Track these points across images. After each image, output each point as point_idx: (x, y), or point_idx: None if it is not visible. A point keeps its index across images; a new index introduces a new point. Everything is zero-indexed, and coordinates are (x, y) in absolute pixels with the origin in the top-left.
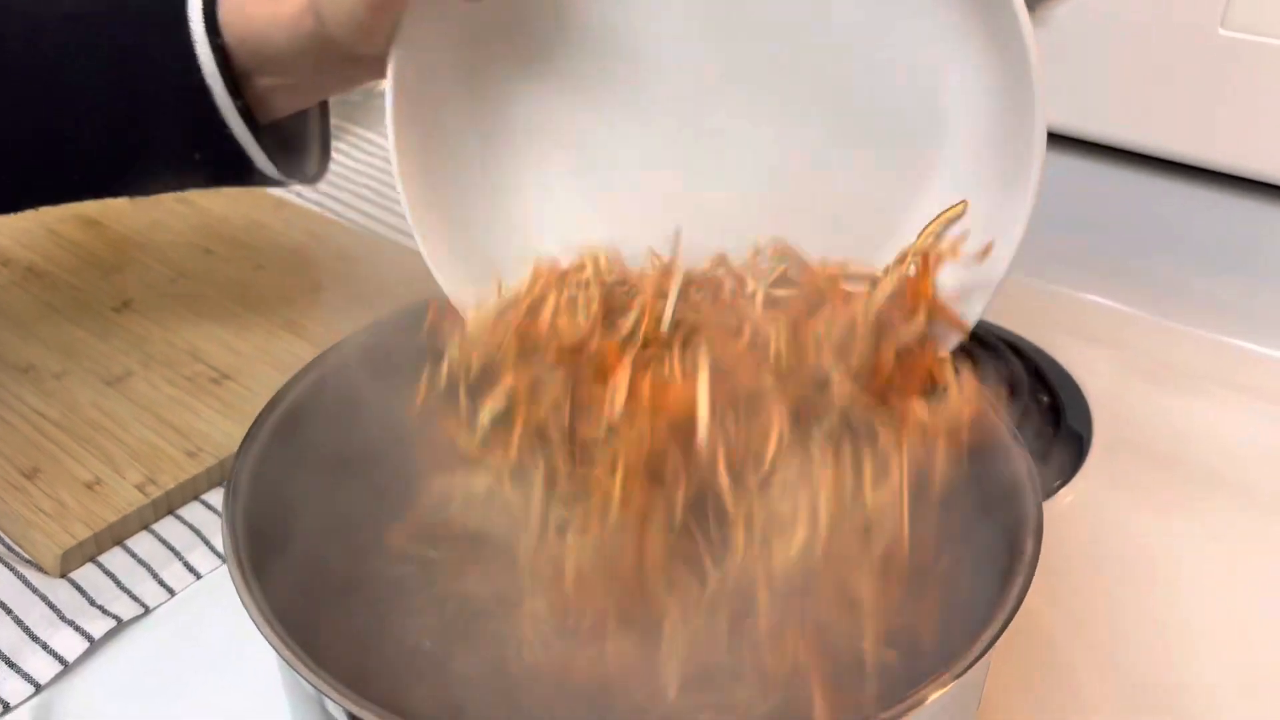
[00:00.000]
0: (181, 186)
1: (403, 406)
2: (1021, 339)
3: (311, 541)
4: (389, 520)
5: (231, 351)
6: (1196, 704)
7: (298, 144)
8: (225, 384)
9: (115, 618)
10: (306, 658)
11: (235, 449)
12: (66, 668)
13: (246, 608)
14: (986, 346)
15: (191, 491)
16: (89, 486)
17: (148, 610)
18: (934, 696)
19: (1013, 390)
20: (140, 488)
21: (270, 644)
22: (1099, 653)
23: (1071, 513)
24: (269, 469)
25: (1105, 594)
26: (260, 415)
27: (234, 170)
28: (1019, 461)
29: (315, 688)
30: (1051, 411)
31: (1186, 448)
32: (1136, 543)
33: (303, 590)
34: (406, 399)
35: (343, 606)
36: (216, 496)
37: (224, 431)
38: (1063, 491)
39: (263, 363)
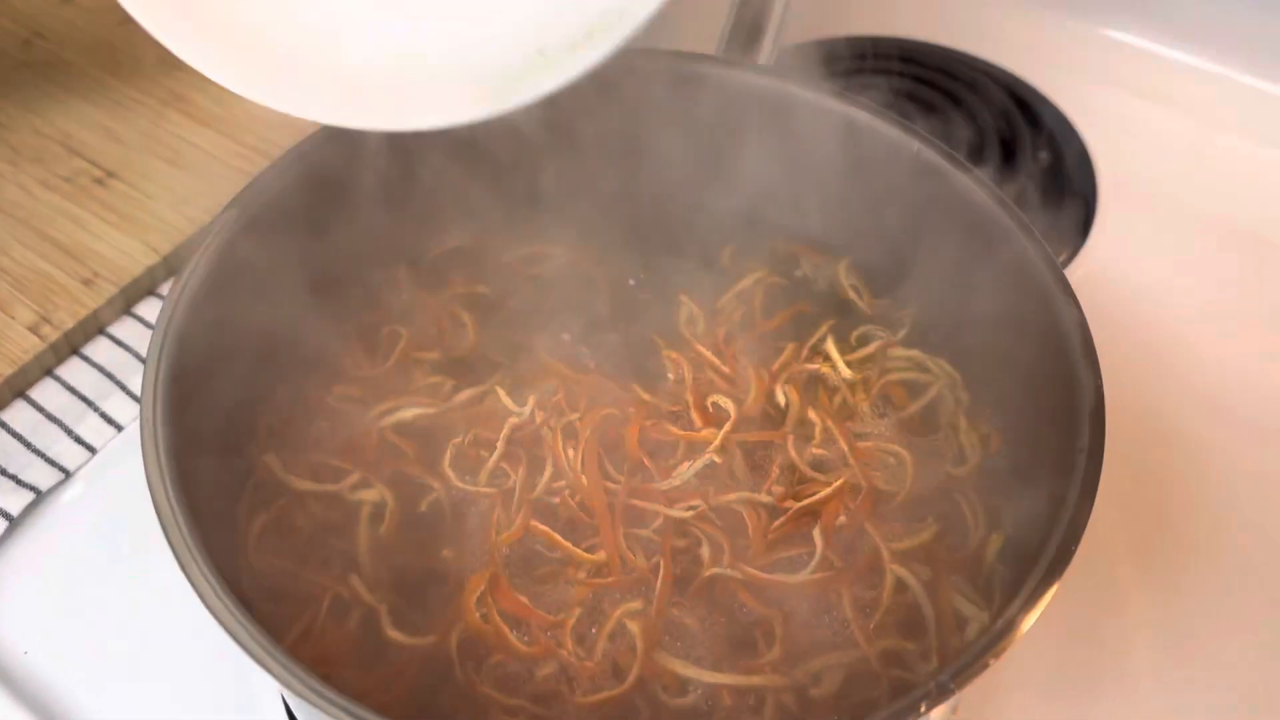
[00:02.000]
0: None
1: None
2: (1018, 80)
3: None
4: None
5: (112, 139)
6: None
7: None
8: (111, 184)
9: (33, 489)
10: (251, 626)
11: (136, 272)
12: None
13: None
14: (987, 100)
15: (94, 326)
16: None
17: (68, 475)
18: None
19: (1014, 152)
20: (34, 329)
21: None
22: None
23: (1084, 290)
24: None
25: (1127, 376)
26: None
27: None
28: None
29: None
30: (1053, 172)
31: (1204, 203)
32: (1159, 322)
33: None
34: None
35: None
36: (124, 330)
37: (120, 249)
38: (1073, 265)
39: (150, 153)
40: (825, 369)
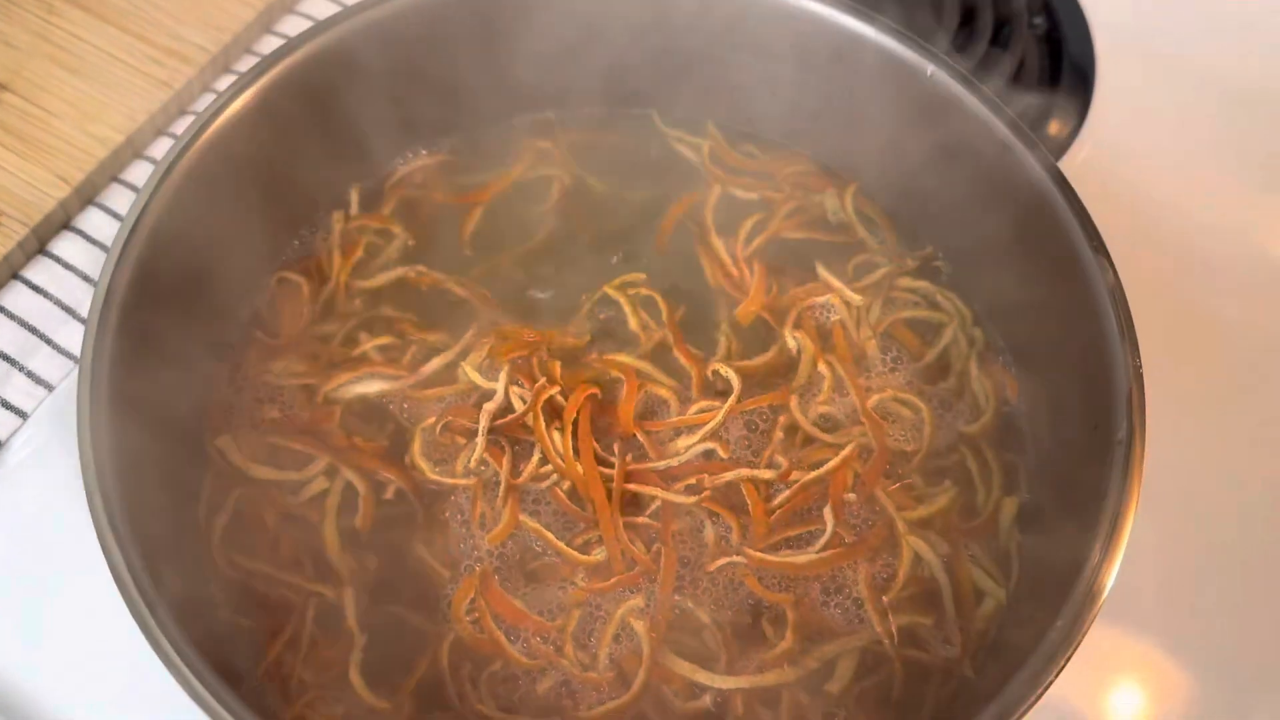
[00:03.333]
0: None
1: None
2: None
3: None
4: None
5: None
6: None
7: None
8: (4, 99)
9: None
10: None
11: (47, 207)
12: None
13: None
14: None
15: (6, 272)
16: None
17: (0, 445)
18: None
19: (1007, 19)
20: None
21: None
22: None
23: (1088, 171)
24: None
25: (1140, 261)
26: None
27: None
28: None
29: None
30: (1049, 41)
31: (1204, 60)
32: (1165, 198)
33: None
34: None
35: None
36: (41, 273)
37: (25, 180)
38: (1075, 145)
39: (46, 58)
40: (834, 299)
